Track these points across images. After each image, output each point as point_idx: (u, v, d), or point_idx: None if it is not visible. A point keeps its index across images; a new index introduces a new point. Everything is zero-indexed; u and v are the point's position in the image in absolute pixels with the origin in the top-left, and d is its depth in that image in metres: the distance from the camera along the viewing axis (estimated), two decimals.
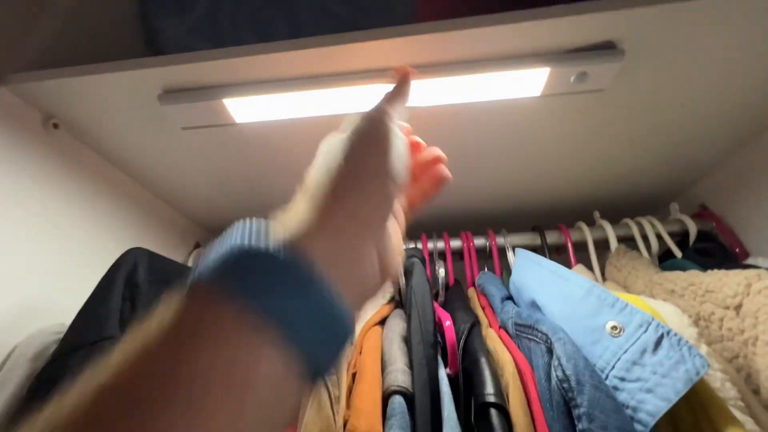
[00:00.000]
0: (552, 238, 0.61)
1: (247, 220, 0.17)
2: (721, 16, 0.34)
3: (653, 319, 0.29)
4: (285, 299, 0.15)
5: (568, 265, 0.59)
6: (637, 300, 0.35)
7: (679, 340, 0.27)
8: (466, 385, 0.37)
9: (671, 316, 0.34)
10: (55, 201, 0.45)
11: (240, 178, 0.58)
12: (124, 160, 0.52)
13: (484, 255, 0.62)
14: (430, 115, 0.46)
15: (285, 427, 0.16)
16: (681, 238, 0.59)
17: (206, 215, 0.69)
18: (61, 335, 0.41)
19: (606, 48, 0.36)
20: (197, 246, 0.70)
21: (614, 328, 0.30)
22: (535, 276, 0.40)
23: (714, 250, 0.49)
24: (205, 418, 0.13)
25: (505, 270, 0.59)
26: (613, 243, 0.58)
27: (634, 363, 0.28)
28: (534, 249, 0.63)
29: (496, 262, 0.60)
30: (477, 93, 0.41)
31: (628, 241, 0.60)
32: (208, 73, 0.38)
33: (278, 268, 0.15)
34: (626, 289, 0.51)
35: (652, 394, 0.26)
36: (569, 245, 0.59)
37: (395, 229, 0.23)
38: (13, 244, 0.40)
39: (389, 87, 0.29)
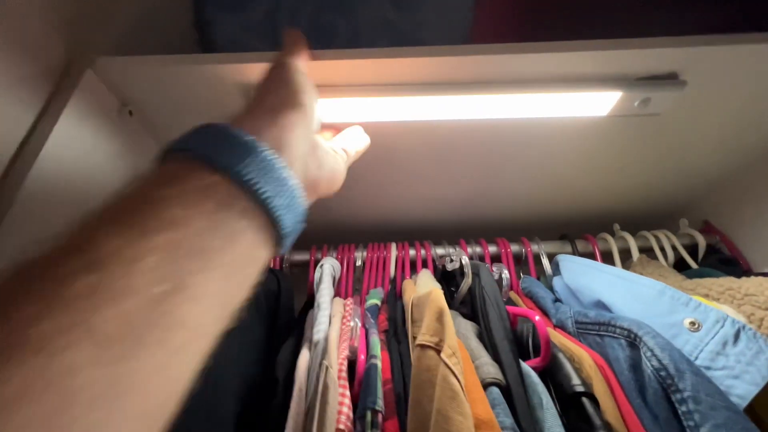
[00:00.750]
0: (579, 246, 0.66)
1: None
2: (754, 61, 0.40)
3: (728, 315, 0.33)
4: (250, 164, 0.18)
5: None
6: (704, 300, 0.40)
7: (755, 333, 0.32)
8: (544, 380, 0.39)
9: (733, 315, 0.39)
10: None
11: None
12: None
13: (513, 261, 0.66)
14: (495, 128, 0.49)
15: (247, 293, 0.18)
16: (690, 250, 0.66)
17: None
18: None
19: (669, 78, 0.41)
20: None
21: (692, 323, 0.34)
22: (597, 279, 0.44)
23: (733, 261, 0.55)
24: (185, 261, 0.14)
25: (542, 275, 0.62)
26: (635, 253, 0.64)
27: (718, 353, 0.32)
28: None
29: (532, 267, 0.64)
30: (548, 109, 0.44)
31: (644, 251, 0.66)
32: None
33: (242, 141, 0.19)
34: None
35: (740, 379, 0.30)
36: (597, 253, 0.64)
37: (332, 152, 0.32)
38: None
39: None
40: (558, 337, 0.44)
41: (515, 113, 0.45)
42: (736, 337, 0.32)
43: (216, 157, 0.17)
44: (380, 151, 0.53)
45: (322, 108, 0.43)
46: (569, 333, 0.44)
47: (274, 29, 0.60)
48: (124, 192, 0.16)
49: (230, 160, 0.18)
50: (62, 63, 0.37)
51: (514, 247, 0.65)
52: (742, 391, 0.29)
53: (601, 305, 0.43)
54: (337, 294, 0.61)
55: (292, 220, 0.20)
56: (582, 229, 0.69)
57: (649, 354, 0.32)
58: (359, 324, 0.44)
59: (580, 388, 0.35)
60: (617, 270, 0.43)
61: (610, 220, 0.71)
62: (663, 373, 0.31)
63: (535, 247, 0.65)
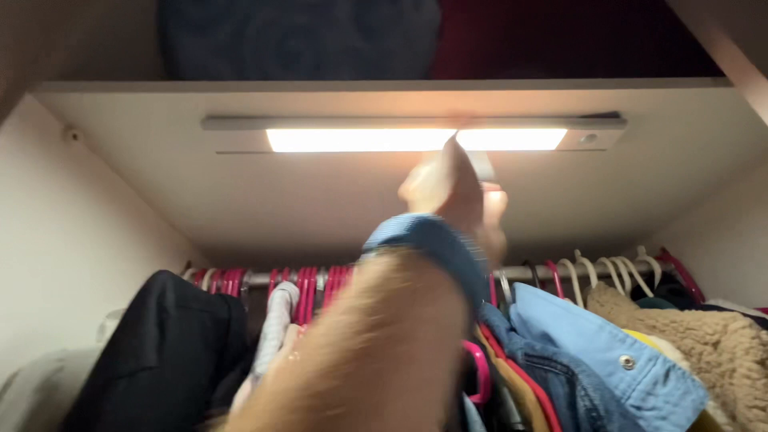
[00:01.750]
0: (540, 272, 0.67)
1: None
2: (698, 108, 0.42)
3: (660, 353, 0.34)
4: (461, 259, 0.22)
5: None
6: (640, 336, 0.40)
7: (683, 373, 0.32)
8: (488, 414, 0.39)
9: (667, 351, 0.40)
10: (59, 213, 0.42)
11: (254, 205, 0.57)
12: (139, 177, 0.50)
13: None
14: None
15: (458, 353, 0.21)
16: (647, 277, 0.68)
17: (197, 234, 0.67)
18: (64, 362, 0.38)
19: (612, 117, 0.43)
20: (188, 265, 0.67)
21: (627, 361, 0.34)
22: (545, 310, 0.44)
23: (684, 291, 0.56)
24: (427, 367, 0.18)
25: (502, 301, 0.63)
26: (594, 279, 0.65)
27: (648, 393, 0.32)
28: (525, 282, 0.68)
29: (493, 293, 0.64)
30: (504, 143, 0.45)
31: (604, 278, 0.67)
32: (256, 103, 0.39)
33: (450, 235, 0.22)
34: None
35: (667, 421, 0.30)
36: (557, 280, 0.65)
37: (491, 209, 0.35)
38: (13, 255, 0.37)
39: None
40: (507, 370, 0.44)
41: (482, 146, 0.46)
42: (666, 376, 0.32)
43: (448, 259, 0.21)
44: (345, 179, 0.53)
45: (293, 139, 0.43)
46: (519, 365, 0.44)
47: (240, 53, 0.61)
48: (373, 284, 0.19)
49: (458, 266, 0.21)
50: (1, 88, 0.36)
51: None
52: None
53: (546, 337, 0.43)
54: (295, 320, 0.61)
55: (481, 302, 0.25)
56: (547, 255, 0.70)
57: (582, 393, 0.33)
58: None
59: (519, 426, 0.35)
60: (563, 302, 0.43)
61: (574, 247, 0.73)
62: (594, 414, 0.31)
63: (496, 273, 0.65)
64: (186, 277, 0.63)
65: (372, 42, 0.61)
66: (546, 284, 0.68)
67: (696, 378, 0.32)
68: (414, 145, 0.45)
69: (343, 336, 0.16)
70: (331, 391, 0.14)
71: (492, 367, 0.43)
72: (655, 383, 0.32)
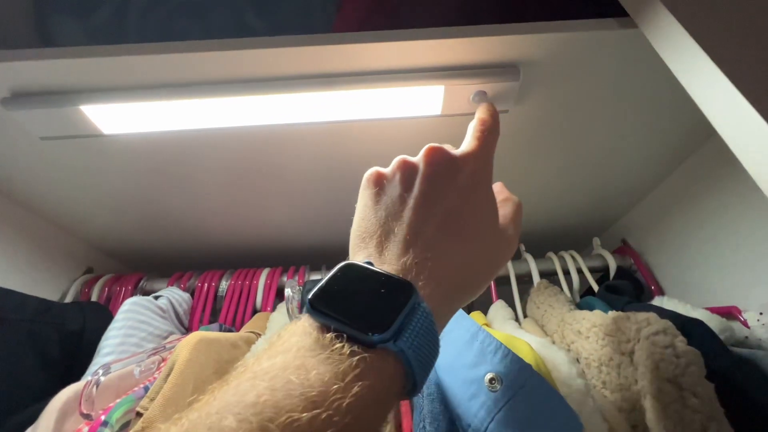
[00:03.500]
0: None
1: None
2: (612, 52, 0.34)
3: (531, 371, 0.25)
4: (419, 342, 0.17)
5: (490, 301, 0.57)
6: (524, 345, 0.32)
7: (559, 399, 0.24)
8: None
9: (561, 365, 0.31)
10: None
11: (128, 196, 0.51)
12: None
13: None
14: (328, 132, 0.43)
15: None
16: (603, 273, 0.58)
17: (98, 237, 0.61)
18: None
19: (502, 66, 0.35)
20: (89, 270, 0.62)
21: (492, 381, 0.26)
22: None
23: (624, 287, 0.47)
24: None
25: None
26: (536, 277, 0.56)
27: (507, 425, 0.24)
28: None
29: None
30: (383, 109, 0.38)
31: (553, 275, 0.58)
32: (62, 74, 0.33)
33: (418, 318, 0.18)
34: (543, 327, 0.48)
35: None
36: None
37: None
38: None
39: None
40: None
41: (348, 115, 0.39)
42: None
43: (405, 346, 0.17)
44: (259, 161, 0.46)
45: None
46: None
47: (123, 34, 0.55)
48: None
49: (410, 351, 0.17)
50: None
51: None
52: None
53: None
54: (190, 328, 0.54)
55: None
56: None
57: (422, 425, 0.25)
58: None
59: None
60: None
61: (530, 242, 0.64)
62: None
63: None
64: (78, 283, 0.57)
65: (263, 17, 0.55)
66: None
67: (580, 400, 0.23)
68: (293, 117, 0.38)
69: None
70: None
71: None
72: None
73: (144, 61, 0.33)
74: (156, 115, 0.37)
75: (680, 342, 0.27)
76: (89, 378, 0.32)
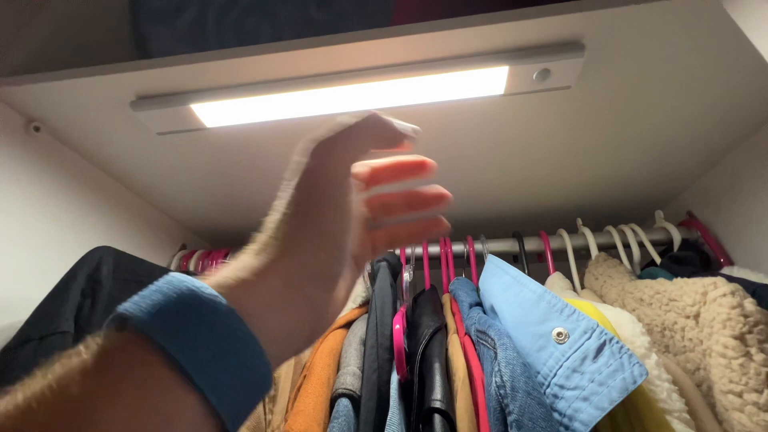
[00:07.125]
0: (532, 245, 0.60)
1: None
2: (681, 20, 0.34)
3: (598, 325, 0.28)
4: (212, 357, 0.14)
5: (547, 273, 0.58)
6: (589, 306, 0.34)
7: (621, 347, 0.27)
8: (420, 391, 0.36)
9: (625, 324, 0.33)
10: (36, 201, 0.46)
11: (220, 182, 0.59)
12: (105, 162, 0.53)
13: (462, 262, 0.61)
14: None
15: None
16: (667, 246, 0.58)
17: (191, 218, 0.70)
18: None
19: (566, 44, 0.36)
20: (183, 247, 0.72)
21: (560, 334, 0.29)
22: (497, 281, 0.40)
23: (689, 258, 0.47)
24: None
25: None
26: (594, 250, 0.57)
27: (574, 371, 0.27)
28: (513, 256, 0.62)
29: (473, 268, 0.59)
30: (443, 93, 0.41)
31: (611, 249, 0.58)
32: (175, 78, 0.40)
33: (211, 323, 0.15)
34: (602, 297, 0.50)
35: (588, 402, 0.25)
36: (548, 252, 0.58)
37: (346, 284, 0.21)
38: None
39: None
40: (454, 346, 0.40)
41: (411, 99, 0.42)
42: (599, 351, 0.27)
43: (193, 363, 0.14)
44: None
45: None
46: (473, 341, 0.41)
47: (203, 38, 0.62)
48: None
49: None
50: None
51: (458, 247, 0.61)
52: (586, 416, 0.24)
53: (492, 310, 0.39)
54: None
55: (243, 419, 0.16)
56: (551, 226, 0.63)
57: (497, 368, 0.29)
58: None
59: (437, 404, 0.31)
60: (516, 272, 0.38)
61: (587, 216, 0.64)
62: (502, 391, 0.27)
63: (479, 246, 0.60)
64: (176, 258, 0.67)
65: (324, 9, 0.59)
66: (542, 259, 0.61)
67: (633, 354, 0.26)
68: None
69: None
70: None
71: (435, 344, 0.40)
72: (584, 359, 0.27)
73: (247, 63, 0.38)
74: (248, 109, 0.43)
75: (749, 303, 0.28)
76: None
